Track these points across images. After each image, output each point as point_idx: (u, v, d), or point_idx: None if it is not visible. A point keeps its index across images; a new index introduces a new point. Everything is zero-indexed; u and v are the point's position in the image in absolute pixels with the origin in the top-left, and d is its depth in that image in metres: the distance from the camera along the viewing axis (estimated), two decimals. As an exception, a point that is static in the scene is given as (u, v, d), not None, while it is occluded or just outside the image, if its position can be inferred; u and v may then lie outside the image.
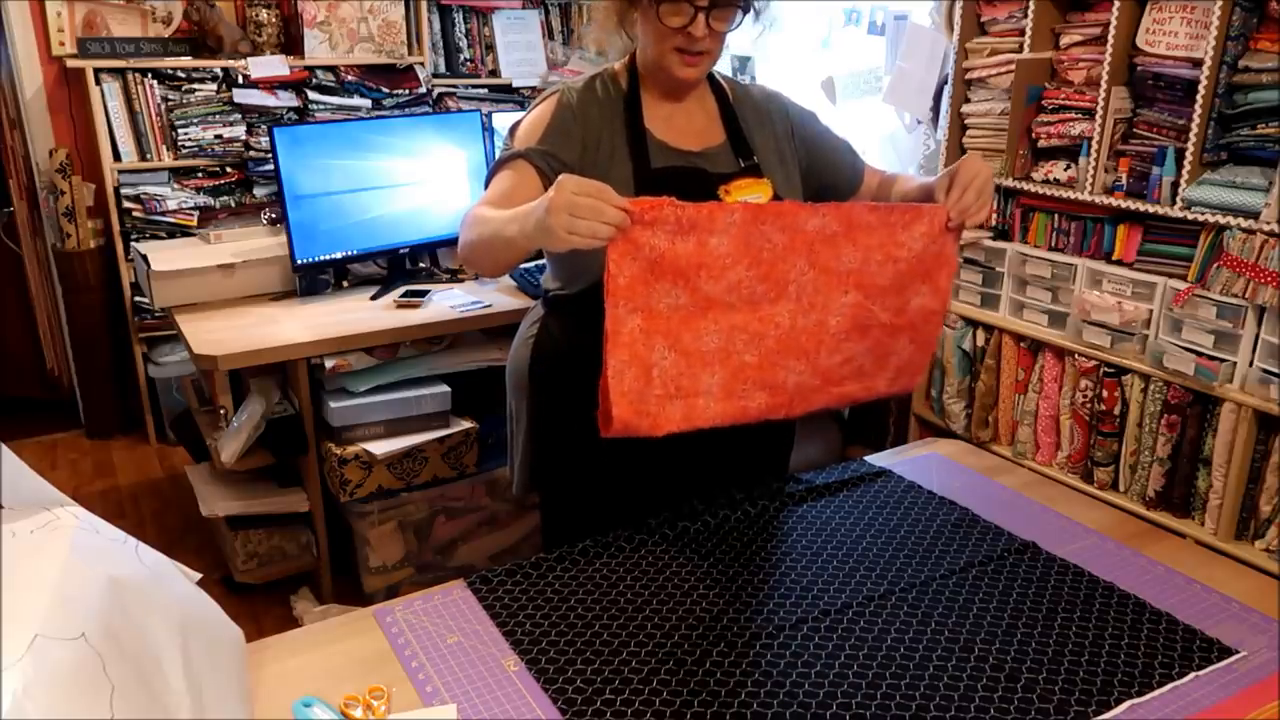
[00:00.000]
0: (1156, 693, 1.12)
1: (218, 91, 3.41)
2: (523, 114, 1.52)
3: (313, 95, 3.50)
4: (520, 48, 3.94)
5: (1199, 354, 2.03)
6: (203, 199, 3.42)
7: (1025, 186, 2.35)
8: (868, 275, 1.36)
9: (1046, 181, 2.31)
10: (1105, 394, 2.22)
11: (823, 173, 1.62)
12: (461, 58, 3.86)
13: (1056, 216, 2.33)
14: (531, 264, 2.89)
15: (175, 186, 3.41)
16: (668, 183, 1.40)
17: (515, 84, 3.90)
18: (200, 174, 3.44)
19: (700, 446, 1.41)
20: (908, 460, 1.75)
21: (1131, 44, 2.11)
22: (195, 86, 3.37)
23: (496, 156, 1.55)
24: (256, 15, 3.46)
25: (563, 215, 1.12)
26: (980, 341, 2.56)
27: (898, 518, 1.52)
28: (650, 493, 1.53)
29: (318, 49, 3.54)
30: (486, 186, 1.46)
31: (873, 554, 1.42)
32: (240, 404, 2.50)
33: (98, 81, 3.26)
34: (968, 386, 2.61)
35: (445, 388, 2.53)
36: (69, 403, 3.77)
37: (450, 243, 2.93)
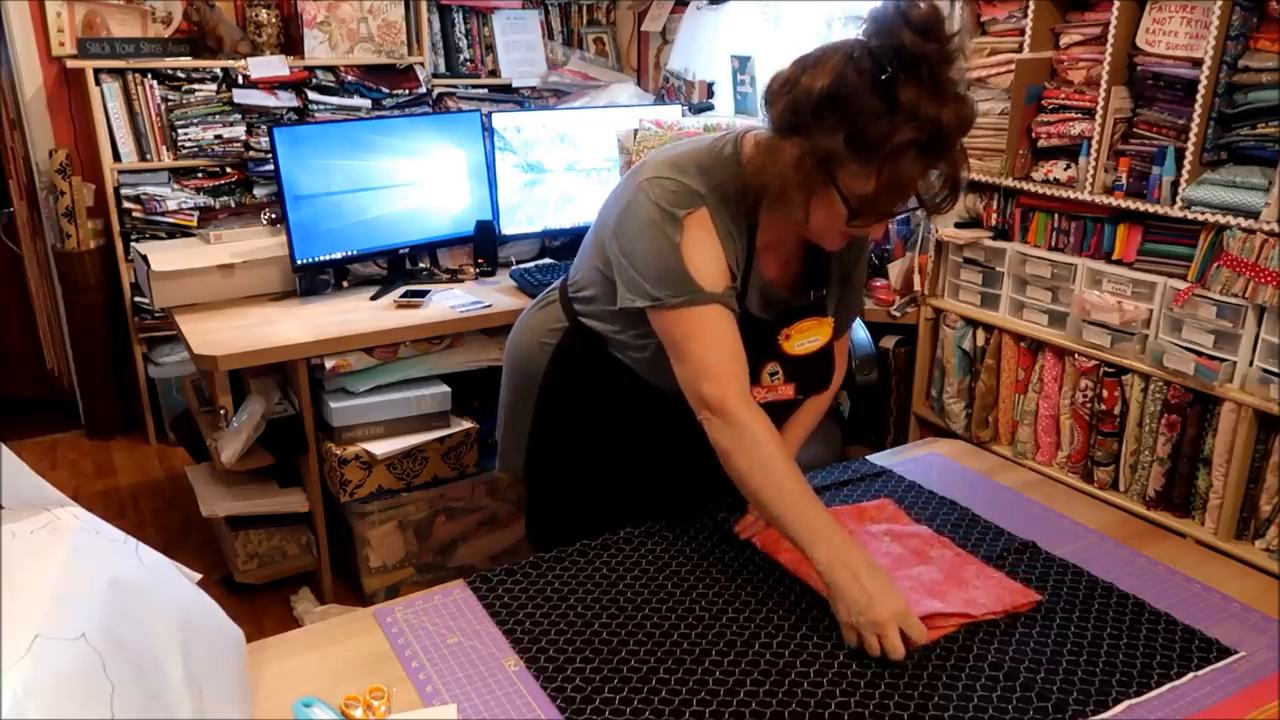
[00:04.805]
0: (1155, 693, 1.12)
1: (218, 92, 3.41)
2: (654, 233, 1.31)
3: (313, 95, 3.50)
4: (520, 48, 3.94)
5: (1199, 354, 2.03)
6: (203, 199, 3.43)
7: (1025, 186, 2.35)
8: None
9: (1046, 181, 2.30)
10: (1105, 394, 2.22)
11: None
12: (461, 58, 3.86)
13: (1056, 216, 2.33)
14: (531, 264, 2.89)
15: (175, 187, 3.41)
16: (745, 336, 1.36)
17: (515, 84, 3.90)
18: (200, 174, 3.44)
19: (685, 451, 1.41)
20: (908, 460, 1.75)
21: (1131, 44, 2.10)
22: (195, 87, 3.37)
23: (658, 290, 1.32)
24: (256, 15, 3.46)
25: (860, 629, 1.17)
26: (980, 341, 2.56)
27: (897, 517, 1.52)
28: (638, 495, 1.54)
29: (317, 49, 3.54)
30: (659, 303, 1.32)
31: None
32: (240, 404, 2.50)
33: (98, 82, 3.26)
34: (968, 386, 2.61)
35: (445, 388, 2.53)
36: (69, 403, 3.77)
37: (450, 242, 2.93)
